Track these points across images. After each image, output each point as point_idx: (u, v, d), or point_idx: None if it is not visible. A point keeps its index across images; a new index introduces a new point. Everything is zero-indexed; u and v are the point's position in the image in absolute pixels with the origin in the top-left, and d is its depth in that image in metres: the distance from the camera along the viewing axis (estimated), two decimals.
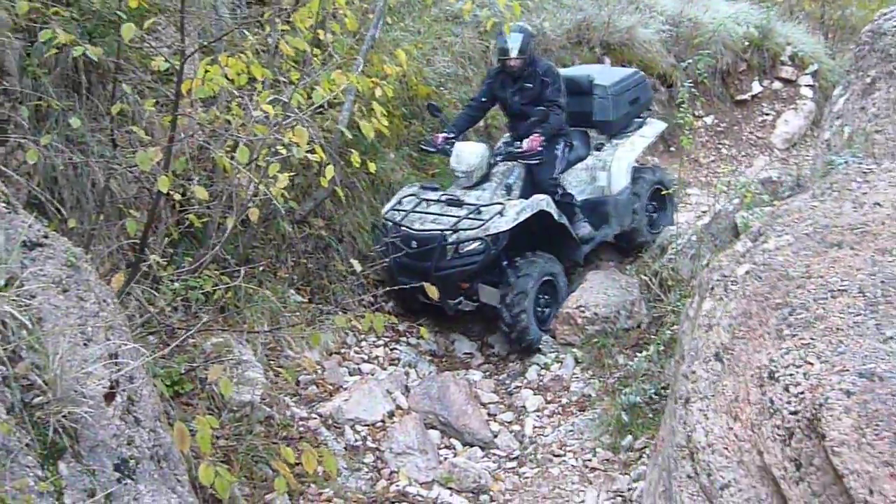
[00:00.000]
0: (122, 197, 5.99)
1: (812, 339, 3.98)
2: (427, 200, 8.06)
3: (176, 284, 5.34)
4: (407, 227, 7.78)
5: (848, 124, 5.85)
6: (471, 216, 7.70)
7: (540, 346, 7.82)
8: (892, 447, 3.34)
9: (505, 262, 7.89)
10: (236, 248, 6.85)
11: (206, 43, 6.23)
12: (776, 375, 3.98)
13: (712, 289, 4.89)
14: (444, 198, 8.06)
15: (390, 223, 7.90)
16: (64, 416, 2.77)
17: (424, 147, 8.66)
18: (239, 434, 5.43)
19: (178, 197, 5.45)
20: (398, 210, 8.00)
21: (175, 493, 3.12)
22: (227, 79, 5.07)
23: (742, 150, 13.01)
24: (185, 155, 5.51)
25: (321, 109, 7.45)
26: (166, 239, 6.04)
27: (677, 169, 9.59)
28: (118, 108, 5.23)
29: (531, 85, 8.35)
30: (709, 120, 13.21)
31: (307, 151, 4.69)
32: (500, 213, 7.63)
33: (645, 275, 7.78)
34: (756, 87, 13.70)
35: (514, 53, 8.21)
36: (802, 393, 3.80)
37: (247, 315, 6.46)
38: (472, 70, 10.79)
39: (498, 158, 8.32)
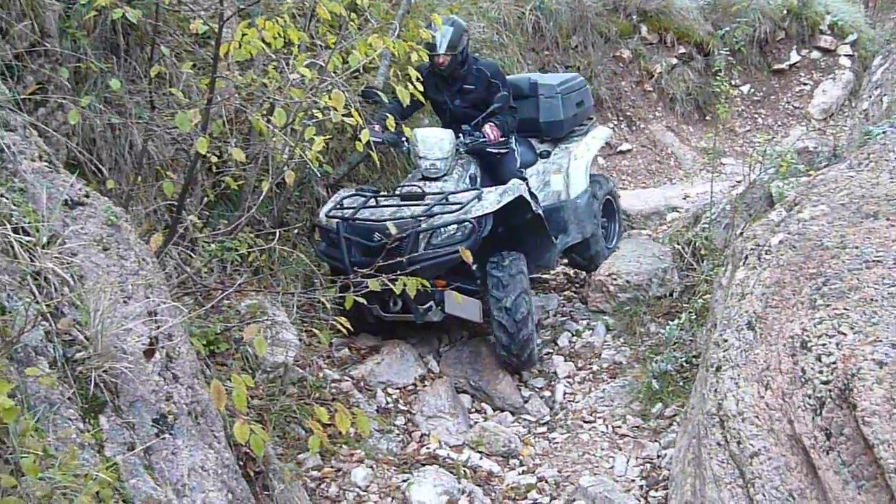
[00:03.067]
0: (159, 158, 6.05)
1: (846, 309, 3.98)
2: (376, 198, 6.98)
3: (212, 246, 5.40)
4: (363, 220, 6.71)
5: (887, 94, 5.81)
6: (439, 204, 6.73)
7: (572, 315, 7.82)
8: None
9: (475, 265, 6.69)
10: (271, 210, 6.91)
11: (243, 6, 6.25)
12: (808, 345, 3.99)
13: (746, 258, 4.89)
14: (400, 191, 7.16)
15: (335, 221, 6.73)
16: (104, 372, 2.83)
17: (373, 139, 7.20)
18: (272, 394, 5.50)
19: (214, 159, 5.50)
20: (341, 209, 6.84)
21: (212, 448, 3.18)
22: (264, 42, 5.09)
23: (779, 120, 12.91)
24: (221, 118, 5.54)
25: (357, 73, 7.46)
26: (203, 201, 6.11)
27: (712, 139, 9.50)
28: (157, 71, 5.26)
29: (474, 87, 7.44)
30: (745, 89, 13.12)
31: (344, 115, 4.72)
32: (478, 199, 6.70)
33: (678, 243, 7.76)
34: (794, 57, 13.57)
35: (441, 49, 7.17)
36: (835, 363, 3.81)
37: (281, 278, 6.53)
38: (507, 36, 10.77)
39: (460, 150, 7.30)
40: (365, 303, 5.39)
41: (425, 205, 6.74)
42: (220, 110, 5.72)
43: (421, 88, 5.43)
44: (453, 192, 6.88)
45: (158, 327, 3.15)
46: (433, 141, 7.13)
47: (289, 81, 5.10)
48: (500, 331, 6.69)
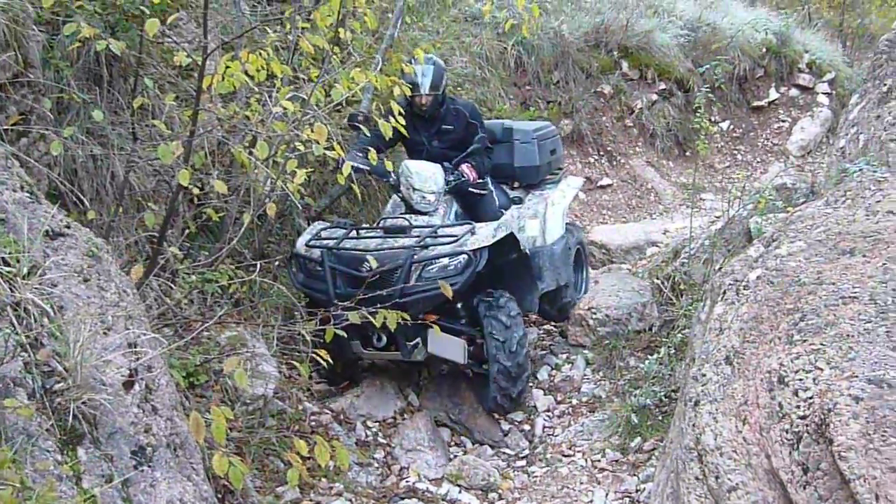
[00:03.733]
0: (141, 190, 6.05)
1: (822, 344, 4.02)
2: (357, 229, 6.72)
3: (192, 277, 5.41)
4: (349, 249, 6.45)
5: (863, 132, 5.87)
6: (430, 237, 6.46)
7: (552, 348, 7.83)
8: None
9: (459, 304, 6.69)
10: (252, 242, 6.91)
11: (227, 39, 6.29)
12: (786, 380, 4.02)
13: (724, 293, 4.93)
14: (383, 224, 6.83)
15: (318, 251, 6.49)
16: (83, 403, 2.83)
17: (354, 166, 6.20)
18: (251, 427, 5.49)
19: (196, 191, 5.51)
20: (321, 240, 6.58)
21: (191, 480, 3.17)
22: (247, 75, 5.12)
23: (757, 157, 13.02)
24: (204, 150, 5.56)
25: (339, 107, 7.51)
26: (184, 232, 6.11)
27: (692, 174, 9.56)
28: (139, 102, 5.29)
29: (452, 127, 7.26)
30: (725, 125, 13.24)
31: (326, 148, 4.75)
32: (471, 233, 6.43)
33: (657, 278, 7.80)
34: (773, 94, 13.71)
35: (424, 89, 7.03)
36: (811, 398, 3.84)
37: (261, 309, 6.53)
38: (489, 71, 10.85)
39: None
40: (345, 336, 5.26)
41: (415, 236, 6.48)
42: (203, 142, 5.74)
43: (403, 122, 5.46)
44: (443, 226, 6.64)
45: (138, 359, 3.15)
46: (427, 174, 6.88)
47: (271, 114, 5.13)
48: (500, 374, 6.48)
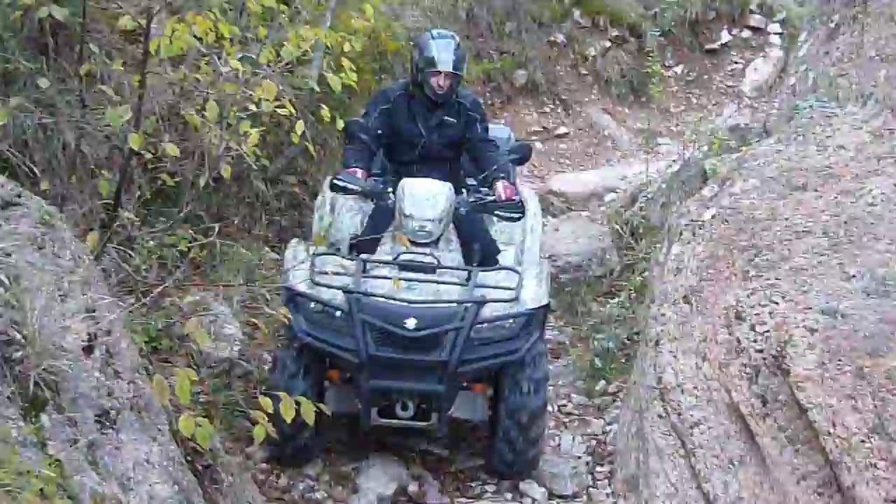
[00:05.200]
0: (93, 157, 5.99)
1: (777, 279, 4.09)
2: (364, 262, 5.44)
3: (150, 243, 5.38)
4: (387, 296, 5.19)
5: (812, 69, 5.94)
6: (462, 283, 5.40)
7: None
8: (853, 381, 3.44)
9: None
10: (210, 206, 6.87)
11: (172, 0, 6.21)
12: (743, 315, 4.09)
13: (681, 233, 4.99)
14: (400, 259, 5.49)
15: (327, 293, 5.29)
16: (44, 370, 2.82)
17: (340, 182, 5.72)
18: (218, 389, 5.51)
19: (149, 156, 5.46)
20: (321, 274, 5.30)
21: (156, 442, 3.19)
22: (196, 37, 5.07)
23: (712, 99, 13.05)
24: (155, 114, 5.51)
25: (290, 66, 7.44)
26: (139, 199, 6.06)
27: (647, 119, 9.59)
28: (86, 69, 5.21)
29: (454, 120, 6.03)
30: (679, 70, 13.24)
31: (276, 106, 4.72)
32: (517, 281, 5.35)
33: (616, 223, 7.87)
34: (725, 36, 13.71)
35: (447, 66, 5.78)
36: (768, 331, 3.91)
37: (222, 272, 6.51)
38: (441, 25, 10.77)
39: (461, 210, 5.77)
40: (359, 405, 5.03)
41: (457, 283, 5.38)
42: (153, 107, 5.69)
43: (354, 78, 5.41)
44: (483, 269, 5.52)
45: (97, 324, 3.15)
46: (423, 196, 5.58)
47: (221, 75, 5.08)
48: (504, 445, 5.46)
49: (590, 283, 7.53)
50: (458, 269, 5.54)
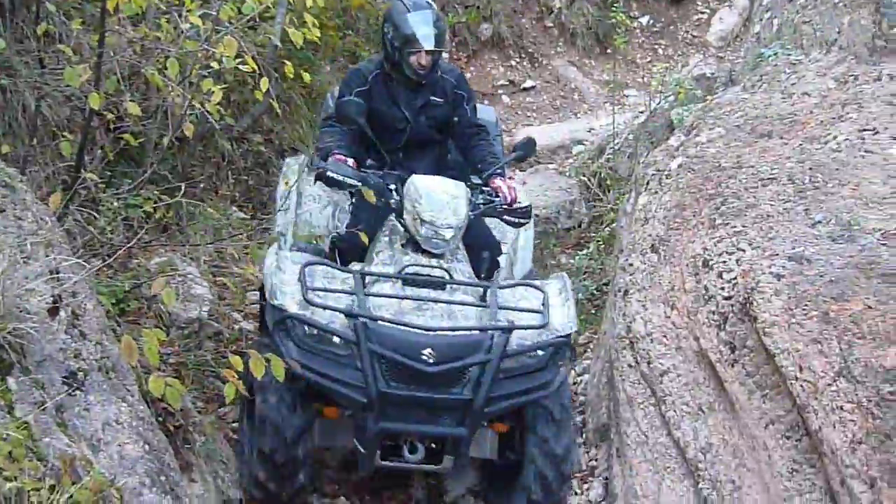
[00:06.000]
0: (54, 119, 5.92)
1: (744, 226, 4.11)
2: (362, 275, 4.48)
3: (115, 204, 5.33)
4: (395, 321, 4.31)
5: (777, 16, 5.94)
6: (479, 303, 4.49)
7: None
8: (819, 325, 3.48)
9: None
10: (175, 166, 6.81)
11: None
12: (710, 263, 4.12)
13: (647, 183, 5.00)
14: (406, 271, 4.52)
15: (323, 314, 4.34)
16: (9, 333, 2.81)
17: (331, 174, 4.70)
18: (188, 350, 5.49)
19: (111, 116, 5.40)
20: (316, 292, 4.33)
21: (125, 402, 3.18)
22: None
23: (679, 50, 13.04)
24: (115, 74, 5.44)
25: (253, 23, 7.36)
26: (103, 160, 6.00)
27: (613, 71, 9.56)
28: (43, 29, 5.14)
29: (441, 100, 5.24)
30: (644, 20, 13.20)
31: (238, 63, 4.68)
32: (543, 303, 4.46)
33: (584, 175, 7.88)
34: None
35: (428, 43, 4.96)
36: (735, 279, 3.94)
37: (189, 233, 6.47)
38: None
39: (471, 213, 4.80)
40: (360, 449, 4.31)
41: (473, 302, 4.48)
42: (114, 66, 5.61)
43: (317, 34, 5.35)
44: (503, 285, 4.69)
45: (61, 285, 3.12)
46: (444, 199, 4.62)
47: (182, 33, 5.02)
48: (536, 482, 4.59)
49: (559, 235, 7.54)
50: (473, 284, 4.63)
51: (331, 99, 5.75)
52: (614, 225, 6.27)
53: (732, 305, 3.91)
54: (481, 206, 4.90)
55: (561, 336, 4.46)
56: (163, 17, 5.56)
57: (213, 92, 4.87)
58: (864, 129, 4.52)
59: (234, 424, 5.44)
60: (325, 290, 4.37)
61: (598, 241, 6.63)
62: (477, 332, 4.34)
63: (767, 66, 5.54)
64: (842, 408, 3.22)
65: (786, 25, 5.78)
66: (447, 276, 4.52)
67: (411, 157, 5.22)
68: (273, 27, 7.83)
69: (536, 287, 4.60)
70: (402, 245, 4.70)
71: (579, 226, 7.55)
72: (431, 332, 4.25)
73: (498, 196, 4.95)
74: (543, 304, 4.43)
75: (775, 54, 5.62)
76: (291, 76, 5.35)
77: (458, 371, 4.28)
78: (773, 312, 3.64)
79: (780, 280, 3.71)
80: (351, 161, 4.88)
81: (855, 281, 3.56)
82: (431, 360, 4.20)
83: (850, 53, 5.20)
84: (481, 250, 4.99)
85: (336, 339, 4.32)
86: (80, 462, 2.71)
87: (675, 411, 4.30)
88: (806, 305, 3.56)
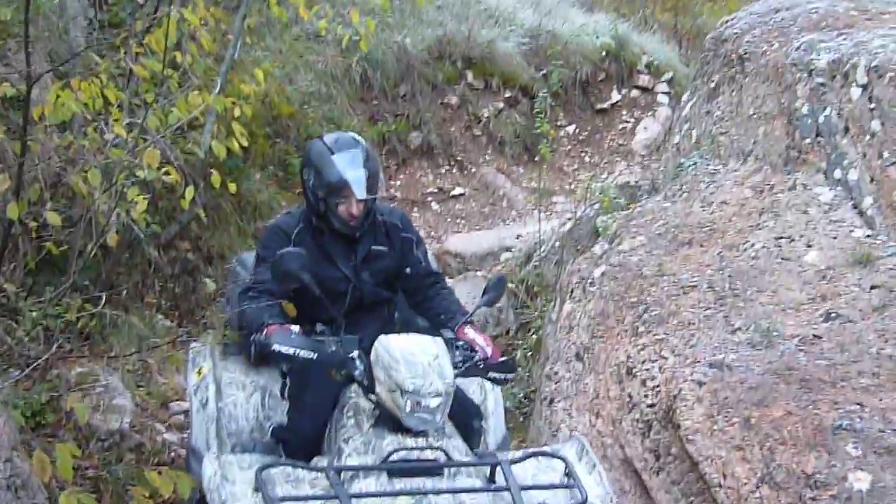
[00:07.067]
0: None
1: (666, 334, 4.16)
2: (336, 471, 3.39)
3: (34, 313, 5.24)
4: None
5: (695, 128, 6.10)
6: (487, 486, 3.39)
7: None
8: (741, 432, 3.51)
9: None
10: (99, 274, 6.74)
11: (54, 66, 6.13)
12: (633, 371, 4.15)
13: (572, 291, 5.05)
14: (390, 459, 3.39)
15: None
16: None
17: (283, 349, 3.65)
18: (108, 462, 5.35)
19: (34, 224, 5.35)
20: (280, 502, 3.23)
21: None
22: (83, 103, 5.00)
23: (604, 158, 13.30)
24: (39, 182, 5.40)
25: (182, 131, 7.37)
26: (25, 267, 5.91)
27: (539, 178, 9.71)
28: None
29: (384, 248, 4.28)
30: (571, 129, 13.47)
31: (162, 174, 4.68)
32: (568, 474, 3.44)
33: (511, 282, 7.91)
34: (615, 96, 14.02)
35: (359, 191, 4.01)
36: (658, 386, 3.97)
37: (113, 342, 6.36)
38: (335, 88, 10.83)
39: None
40: None
41: (481, 487, 3.39)
42: (37, 174, 5.58)
43: (245, 143, 5.38)
44: (513, 460, 3.55)
45: None
46: (425, 360, 3.54)
47: (108, 142, 5.02)
48: None
49: None
50: (479, 463, 3.58)
51: (238, 266, 4.79)
52: (541, 332, 6.29)
53: (656, 413, 3.93)
54: (460, 364, 3.79)
55: None
56: (89, 125, 5.56)
57: (138, 202, 4.86)
58: (781, 237, 4.63)
59: None
60: (295, 498, 3.31)
61: (526, 348, 6.63)
62: None
63: (687, 176, 5.67)
64: None
65: (704, 136, 5.94)
66: (443, 458, 3.45)
67: (355, 323, 4.06)
68: (202, 136, 7.87)
69: (553, 455, 3.61)
70: (374, 426, 3.63)
71: (507, 333, 7.56)
72: None
73: (475, 350, 3.89)
74: (569, 475, 3.46)
75: (695, 164, 5.75)
76: (217, 186, 5.36)
77: None
78: (696, 419, 3.67)
79: (702, 387, 3.75)
80: (295, 328, 3.79)
81: (775, 387, 3.62)
82: None
83: (765, 163, 5.34)
84: (467, 418, 3.99)
85: None
86: None
87: None
88: (728, 412, 3.59)
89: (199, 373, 4.54)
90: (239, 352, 4.40)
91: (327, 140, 4.18)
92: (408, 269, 4.33)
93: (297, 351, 3.65)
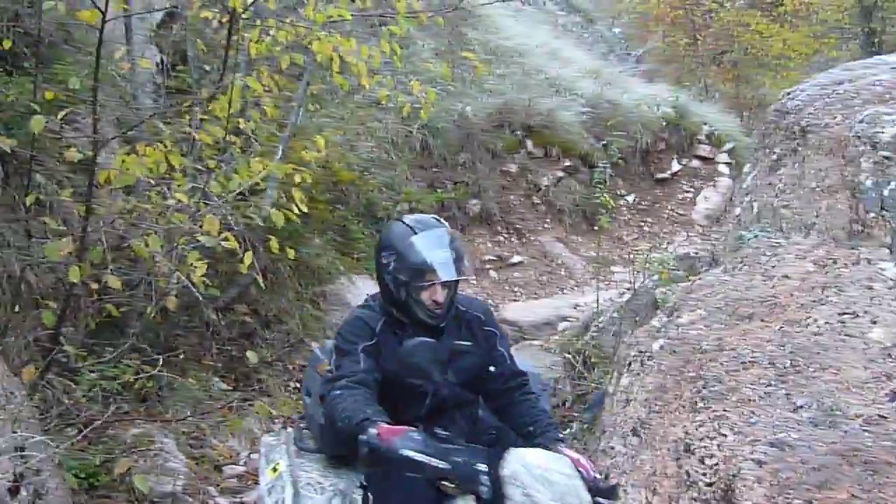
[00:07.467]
0: (38, 287, 5.93)
1: (725, 410, 4.07)
2: None
3: (93, 374, 5.29)
4: None
5: (757, 200, 6.02)
6: None
7: None
8: None
9: None
10: (158, 336, 6.79)
11: (118, 134, 6.25)
12: (691, 447, 4.05)
13: (629, 364, 4.98)
14: None
15: None
16: None
17: (414, 455, 3.09)
18: None
19: (95, 286, 5.42)
20: None
21: None
22: (147, 168, 5.10)
23: (664, 227, 13.25)
24: (102, 244, 5.49)
25: (243, 197, 7.46)
26: (86, 328, 5.99)
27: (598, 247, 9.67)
28: (33, 199, 5.23)
29: (468, 343, 3.85)
30: (630, 198, 13.47)
31: (221, 240, 4.73)
32: None
33: (569, 353, 7.83)
34: (675, 166, 14.03)
35: (448, 273, 3.63)
36: (717, 464, 3.87)
37: (169, 404, 6.40)
38: (396, 155, 10.94)
39: None
40: None
41: None
42: (101, 236, 5.67)
43: (304, 209, 5.41)
44: None
45: (25, 463, 3.05)
46: (564, 482, 3.19)
47: (170, 207, 5.10)
48: None
49: None
50: None
51: (319, 352, 4.38)
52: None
53: (714, 492, 3.83)
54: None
55: None
56: (152, 189, 5.66)
57: (198, 266, 4.92)
58: (844, 313, 4.53)
59: None
60: None
61: (581, 421, 6.54)
62: None
63: (748, 249, 5.59)
64: None
65: (765, 209, 5.87)
66: None
67: (442, 427, 3.62)
68: (264, 201, 7.95)
69: None
70: None
71: (563, 404, 7.47)
72: None
73: (579, 470, 3.33)
74: None
75: (756, 237, 5.68)
76: (276, 252, 5.41)
77: None
78: (756, 500, 3.57)
79: (762, 467, 3.65)
80: (417, 433, 3.20)
81: (838, 468, 3.51)
82: None
83: (828, 237, 5.25)
84: None
85: None
86: None
87: None
88: (789, 493, 3.49)
89: (275, 470, 4.12)
90: (317, 450, 4.08)
91: (407, 220, 3.80)
92: (492, 368, 3.88)
93: (430, 460, 3.13)
